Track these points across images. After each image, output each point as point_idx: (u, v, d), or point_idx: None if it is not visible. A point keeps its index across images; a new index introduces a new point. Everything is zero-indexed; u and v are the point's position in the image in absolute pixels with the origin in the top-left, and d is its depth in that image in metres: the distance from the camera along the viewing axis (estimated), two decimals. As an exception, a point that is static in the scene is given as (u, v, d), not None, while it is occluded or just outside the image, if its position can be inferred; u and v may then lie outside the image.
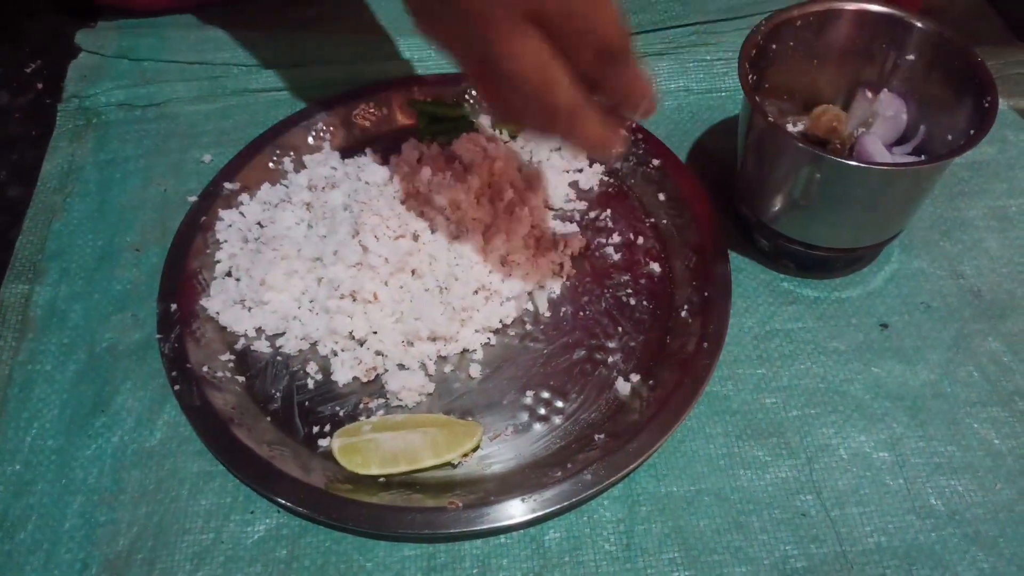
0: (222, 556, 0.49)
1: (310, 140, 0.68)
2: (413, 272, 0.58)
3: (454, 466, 0.52)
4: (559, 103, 0.38)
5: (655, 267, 0.61)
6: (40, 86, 0.75)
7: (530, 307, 0.59)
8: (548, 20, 0.36)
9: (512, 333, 0.58)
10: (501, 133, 0.68)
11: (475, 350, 0.57)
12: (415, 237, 0.59)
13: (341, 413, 0.54)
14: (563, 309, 0.59)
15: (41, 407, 0.55)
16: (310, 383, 0.56)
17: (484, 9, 0.36)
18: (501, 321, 0.58)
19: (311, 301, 0.58)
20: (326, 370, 0.56)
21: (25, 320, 0.59)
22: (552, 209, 0.64)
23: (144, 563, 0.49)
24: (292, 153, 0.67)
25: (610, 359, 0.56)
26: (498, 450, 0.53)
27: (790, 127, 0.62)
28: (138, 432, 0.54)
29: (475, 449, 0.52)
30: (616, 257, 0.62)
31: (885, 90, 0.60)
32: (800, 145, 0.51)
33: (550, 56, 0.37)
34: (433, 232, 0.59)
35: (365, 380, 0.55)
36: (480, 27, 0.37)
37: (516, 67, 0.37)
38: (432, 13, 0.41)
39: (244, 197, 0.64)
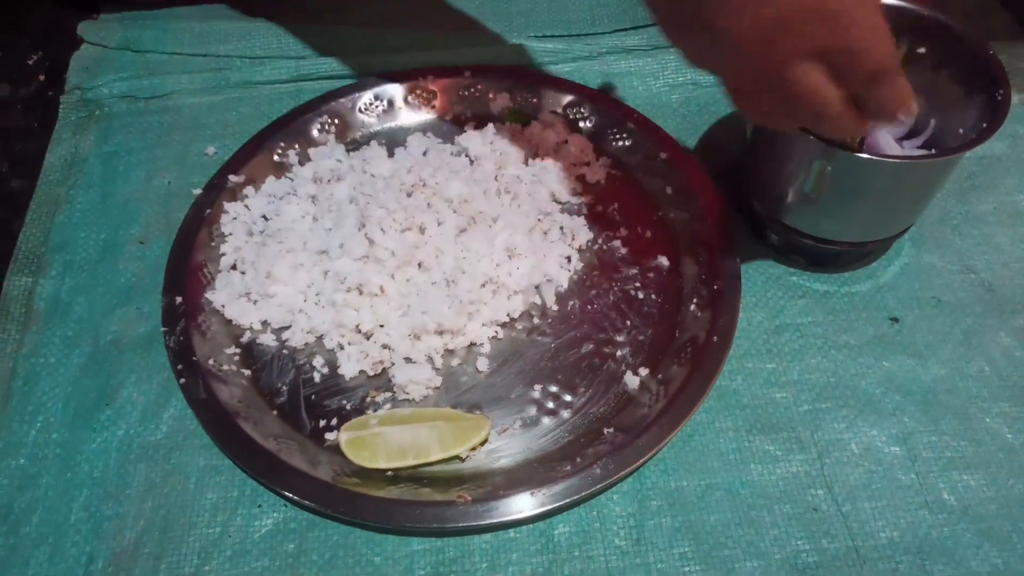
0: (229, 550, 0.49)
1: (315, 133, 0.67)
2: (420, 265, 0.57)
3: (462, 460, 0.51)
4: (829, 114, 0.44)
5: (663, 261, 0.60)
6: (42, 78, 0.74)
7: (537, 301, 0.59)
8: (830, 59, 0.41)
9: (520, 327, 0.58)
10: (511, 125, 0.67)
11: (482, 344, 0.56)
12: (422, 230, 0.58)
13: (348, 407, 0.54)
14: (571, 303, 0.59)
15: (46, 400, 0.55)
16: (316, 376, 0.55)
17: (770, 51, 0.42)
18: (508, 315, 0.57)
19: (317, 294, 0.58)
20: (332, 364, 0.55)
21: (29, 313, 0.59)
22: (559, 203, 0.64)
23: (151, 557, 0.48)
24: (297, 146, 0.66)
25: (618, 353, 0.56)
26: (506, 444, 0.52)
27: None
28: (144, 425, 0.53)
29: (483, 443, 0.52)
30: (624, 251, 0.61)
31: (896, 83, 0.59)
32: (811, 138, 0.51)
33: (826, 81, 0.43)
34: (440, 225, 0.59)
35: (372, 374, 0.55)
36: (766, 62, 0.43)
37: (798, 91, 0.43)
38: (700, 45, 0.46)
39: (249, 190, 0.63)
